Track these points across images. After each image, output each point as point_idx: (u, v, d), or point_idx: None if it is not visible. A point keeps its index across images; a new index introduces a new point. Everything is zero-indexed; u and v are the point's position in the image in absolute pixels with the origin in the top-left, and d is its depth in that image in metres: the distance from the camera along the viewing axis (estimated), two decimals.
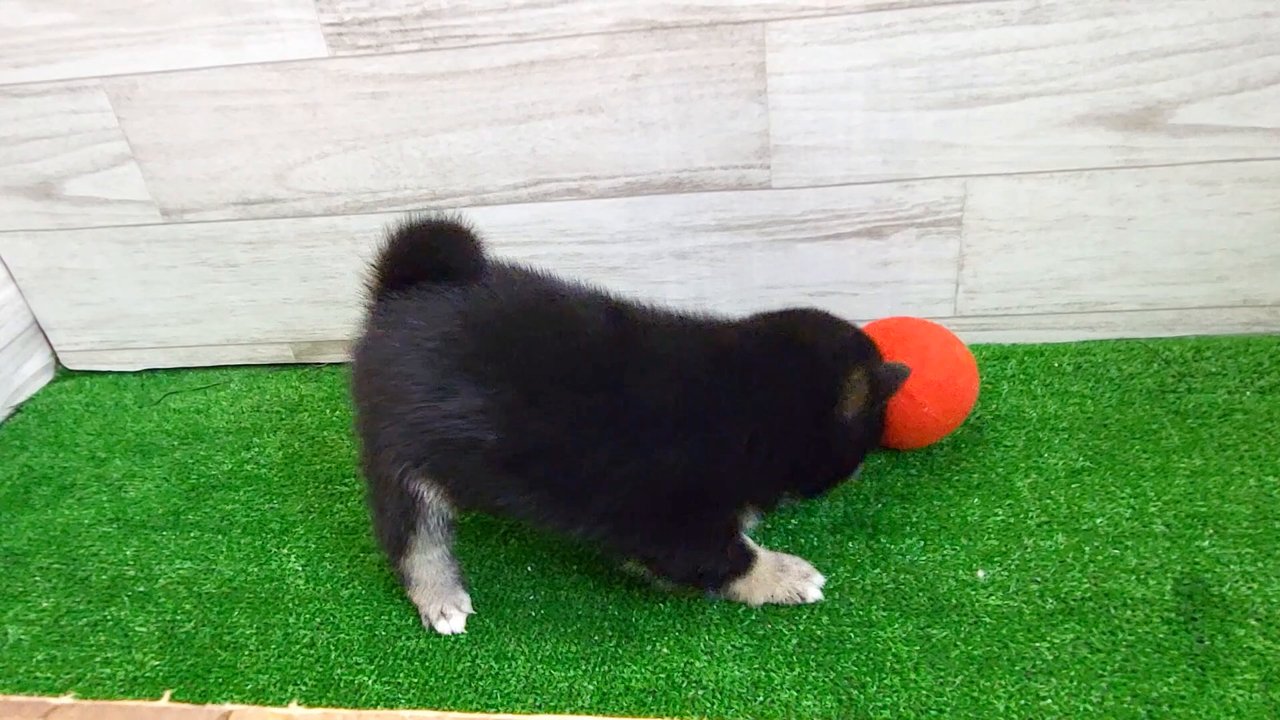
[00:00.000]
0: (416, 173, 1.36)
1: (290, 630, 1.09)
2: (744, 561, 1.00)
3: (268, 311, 1.55)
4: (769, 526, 1.13)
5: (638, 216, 1.36)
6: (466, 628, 1.06)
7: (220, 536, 1.25)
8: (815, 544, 1.10)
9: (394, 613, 1.10)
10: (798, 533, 1.12)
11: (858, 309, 1.40)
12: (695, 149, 1.28)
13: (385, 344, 0.95)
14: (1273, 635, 0.92)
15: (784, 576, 1.02)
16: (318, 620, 1.10)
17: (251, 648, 1.08)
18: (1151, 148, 1.20)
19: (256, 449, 1.41)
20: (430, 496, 0.97)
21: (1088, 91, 1.17)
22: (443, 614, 1.06)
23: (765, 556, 1.03)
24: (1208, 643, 0.92)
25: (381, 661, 1.04)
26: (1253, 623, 0.93)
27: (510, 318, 0.95)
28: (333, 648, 1.06)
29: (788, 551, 1.08)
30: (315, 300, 1.52)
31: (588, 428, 0.91)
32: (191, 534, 1.26)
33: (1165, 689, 0.89)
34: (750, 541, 1.03)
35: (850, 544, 1.09)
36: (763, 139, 1.26)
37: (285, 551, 1.21)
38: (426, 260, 0.97)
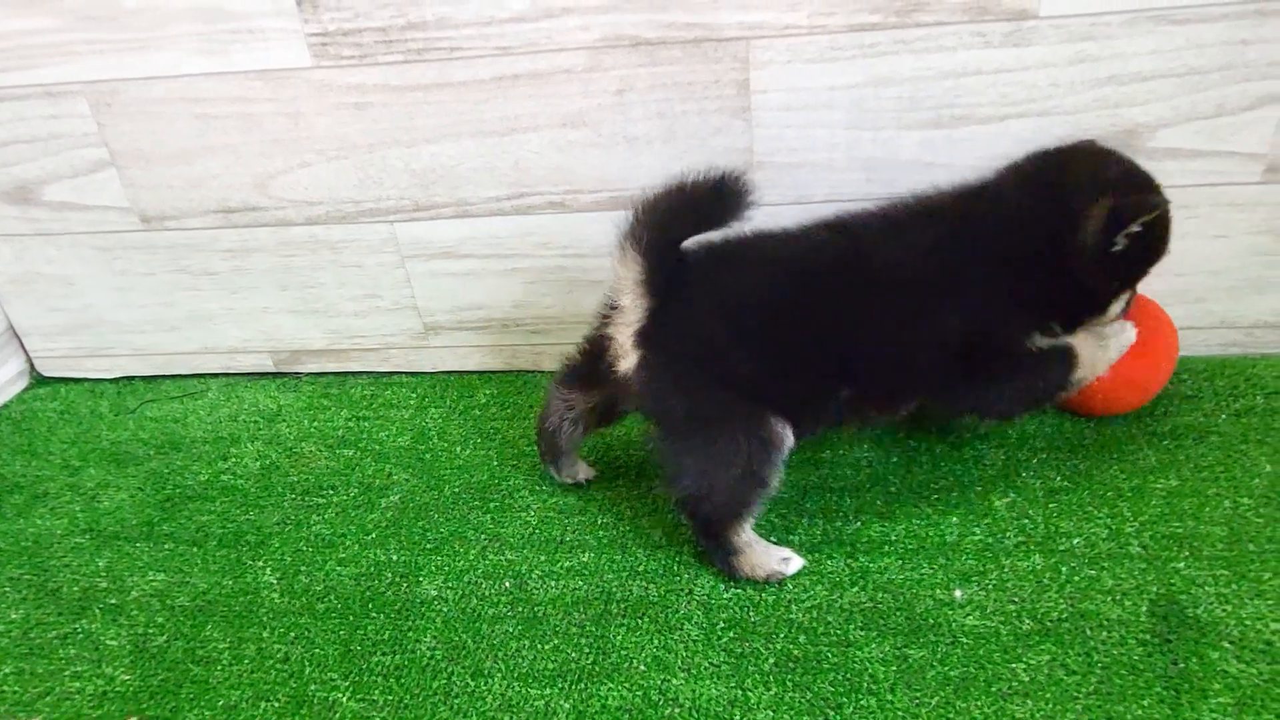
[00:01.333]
0: (399, 183, 1.35)
1: (264, 645, 1.08)
2: (1066, 356, 1.07)
3: (247, 320, 1.54)
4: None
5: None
6: (442, 643, 1.05)
7: (195, 548, 1.24)
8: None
9: (370, 627, 1.09)
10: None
11: None
12: (678, 164, 1.27)
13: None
14: (1246, 658, 0.92)
15: (1108, 339, 1.09)
16: (292, 635, 1.09)
17: (224, 663, 1.06)
18: None
19: (233, 459, 1.40)
20: (787, 433, 1.03)
21: (1068, 114, 1.18)
22: (784, 559, 1.08)
23: (1080, 338, 1.09)
24: (1182, 665, 0.93)
25: (356, 678, 1.03)
26: (1226, 645, 0.94)
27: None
28: (307, 663, 1.05)
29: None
30: (295, 309, 1.51)
31: (876, 328, 1.04)
32: (165, 546, 1.25)
33: (1139, 712, 0.89)
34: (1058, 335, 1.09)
35: (829, 562, 1.09)
36: (746, 155, 1.27)
37: (260, 564, 1.20)
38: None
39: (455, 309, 1.47)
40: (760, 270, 1.05)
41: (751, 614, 1.04)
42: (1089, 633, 0.97)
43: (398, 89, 1.27)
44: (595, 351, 1.10)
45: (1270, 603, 0.98)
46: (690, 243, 1.04)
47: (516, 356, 1.51)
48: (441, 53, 1.24)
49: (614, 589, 1.09)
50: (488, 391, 1.49)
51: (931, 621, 1.00)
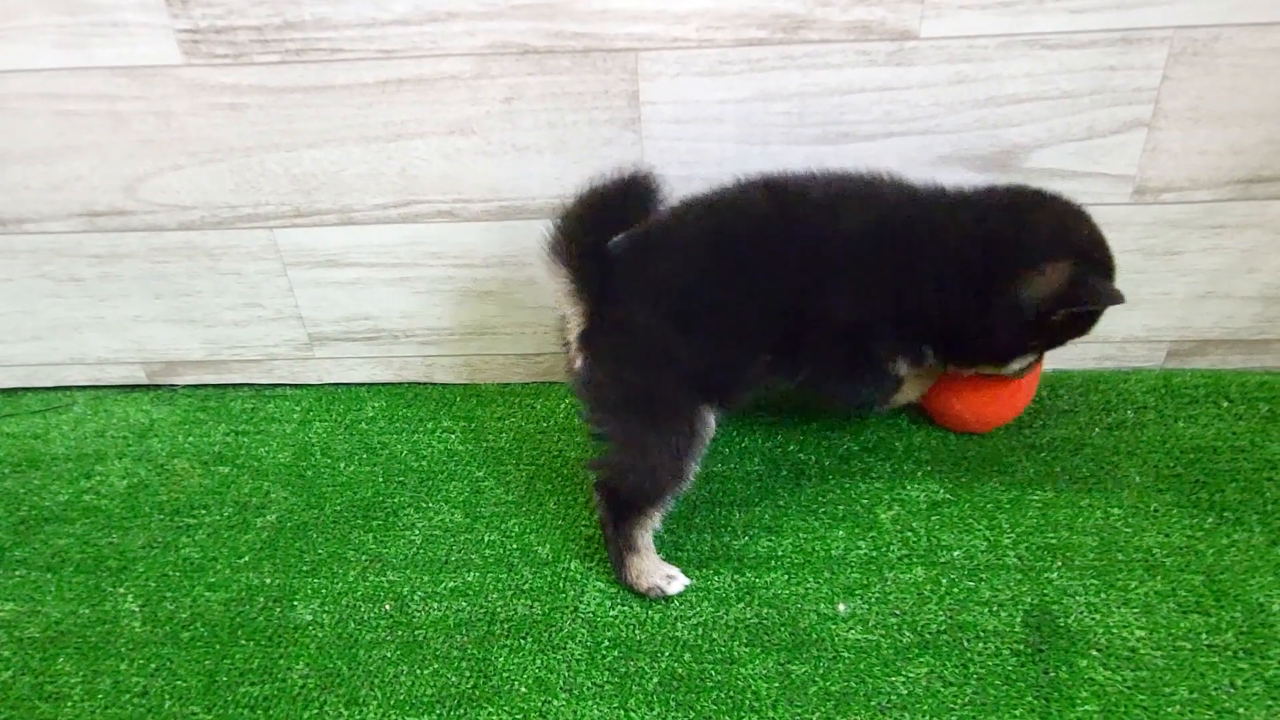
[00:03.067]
0: (279, 188, 1.30)
1: (121, 678, 1.02)
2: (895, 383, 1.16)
3: (117, 330, 1.45)
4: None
5: (512, 241, 1.33)
6: (316, 671, 1.01)
7: (50, 575, 1.16)
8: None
9: (238, 656, 1.03)
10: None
11: None
12: (569, 175, 1.26)
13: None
14: (1112, 665, 0.95)
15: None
16: (153, 666, 1.03)
17: (75, 698, 1.00)
18: None
19: (98, 478, 1.32)
20: (711, 421, 1.08)
21: (949, 133, 1.21)
22: (669, 576, 1.07)
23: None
24: (1053, 674, 0.95)
25: (221, 710, 0.97)
26: (1094, 653, 0.97)
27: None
28: (168, 696, 0.99)
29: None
30: (170, 319, 1.43)
31: (797, 293, 1.05)
32: (17, 572, 1.17)
33: None
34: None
35: (716, 578, 1.09)
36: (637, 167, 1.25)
37: (122, 591, 1.13)
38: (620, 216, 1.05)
39: (341, 319, 1.42)
40: (689, 242, 1.07)
41: (637, 632, 1.03)
42: (966, 644, 0.99)
43: (276, 90, 1.22)
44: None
45: (1135, 610, 1.01)
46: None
47: (406, 368, 1.47)
48: (321, 54, 1.19)
49: (498, 609, 1.06)
50: (376, 405, 1.44)
51: (815, 636, 1.01)
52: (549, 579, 1.10)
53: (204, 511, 1.24)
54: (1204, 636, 0.98)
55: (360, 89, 1.21)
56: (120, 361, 1.49)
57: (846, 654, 0.98)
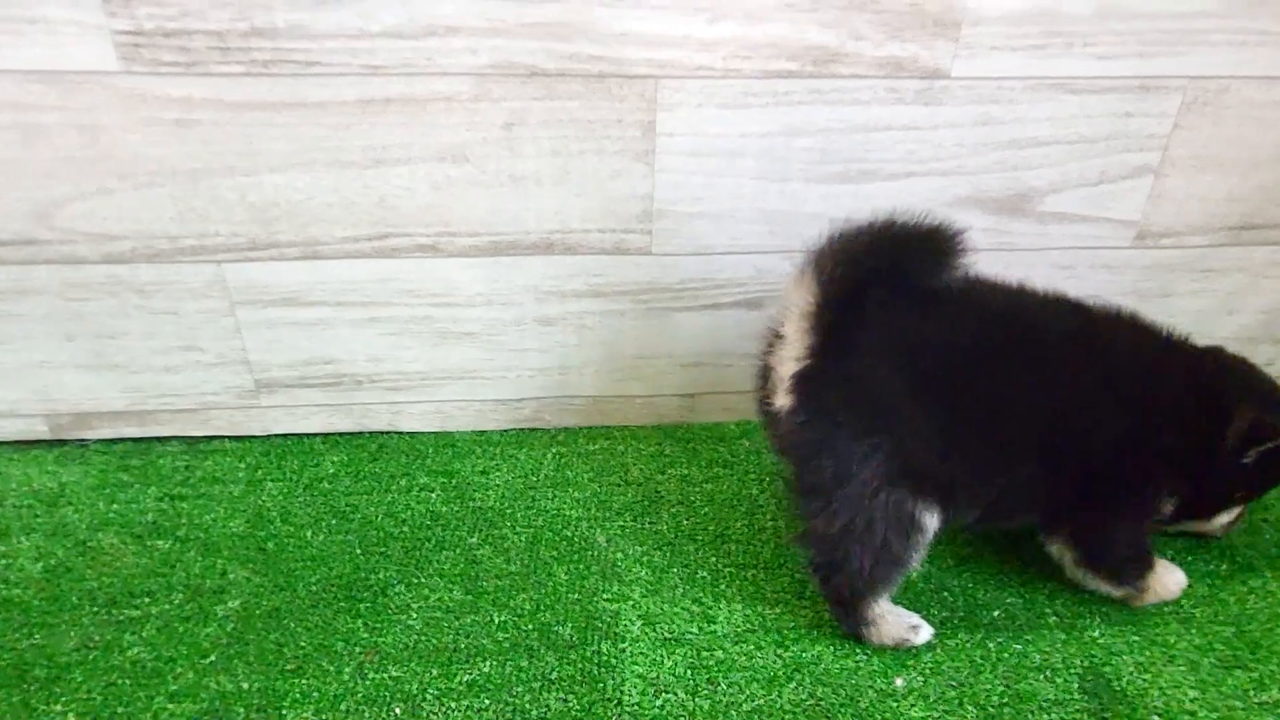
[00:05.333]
0: (232, 217, 1.12)
1: None
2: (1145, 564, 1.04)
3: (15, 377, 1.22)
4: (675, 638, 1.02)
5: (500, 278, 1.20)
6: None
7: None
8: (722, 655, 1.00)
9: None
10: (699, 646, 1.02)
11: (729, 380, 1.32)
12: (571, 208, 1.15)
13: None
14: None
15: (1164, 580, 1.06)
16: None
17: None
18: (1020, 232, 1.22)
19: (3, 560, 1.10)
20: (932, 520, 0.95)
21: (970, 174, 1.18)
22: (913, 626, 1.01)
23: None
24: None
25: None
26: (1156, 719, 0.94)
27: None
28: None
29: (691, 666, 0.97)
30: (84, 364, 1.22)
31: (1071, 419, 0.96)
32: None
33: None
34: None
35: (759, 654, 1.01)
36: (646, 202, 1.16)
37: (58, 707, 0.93)
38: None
39: (297, 363, 1.25)
40: (963, 319, 0.94)
41: None
42: (1031, 717, 0.95)
43: (235, 106, 1.05)
44: (763, 384, 1.00)
45: (1182, 668, 1.00)
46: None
47: (369, 416, 1.31)
48: (295, 66, 1.03)
49: (526, 705, 0.94)
50: (335, 458, 1.28)
51: (878, 717, 0.94)
52: (579, 666, 0.99)
53: (148, 600, 1.05)
54: (1251, 694, 0.97)
55: (338, 107, 1.06)
56: (16, 414, 1.26)
57: None
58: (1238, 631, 1.05)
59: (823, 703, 0.95)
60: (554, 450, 1.30)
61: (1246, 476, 1.03)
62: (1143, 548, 1.04)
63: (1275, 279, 1.30)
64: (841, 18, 1.05)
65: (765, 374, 0.98)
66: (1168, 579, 1.05)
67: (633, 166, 1.13)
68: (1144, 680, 0.99)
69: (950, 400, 0.91)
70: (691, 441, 1.33)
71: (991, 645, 1.02)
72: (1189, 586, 1.08)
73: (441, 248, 1.17)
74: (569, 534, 1.16)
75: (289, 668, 0.98)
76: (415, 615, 1.04)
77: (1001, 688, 0.98)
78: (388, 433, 1.32)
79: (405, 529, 1.16)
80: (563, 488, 1.23)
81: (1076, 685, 0.98)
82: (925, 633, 1.01)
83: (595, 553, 1.13)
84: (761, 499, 1.22)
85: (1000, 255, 1.24)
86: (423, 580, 1.09)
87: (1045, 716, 0.95)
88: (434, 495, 1.21)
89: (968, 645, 1.02)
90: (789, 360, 0.92)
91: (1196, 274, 1.29)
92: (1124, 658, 1.01)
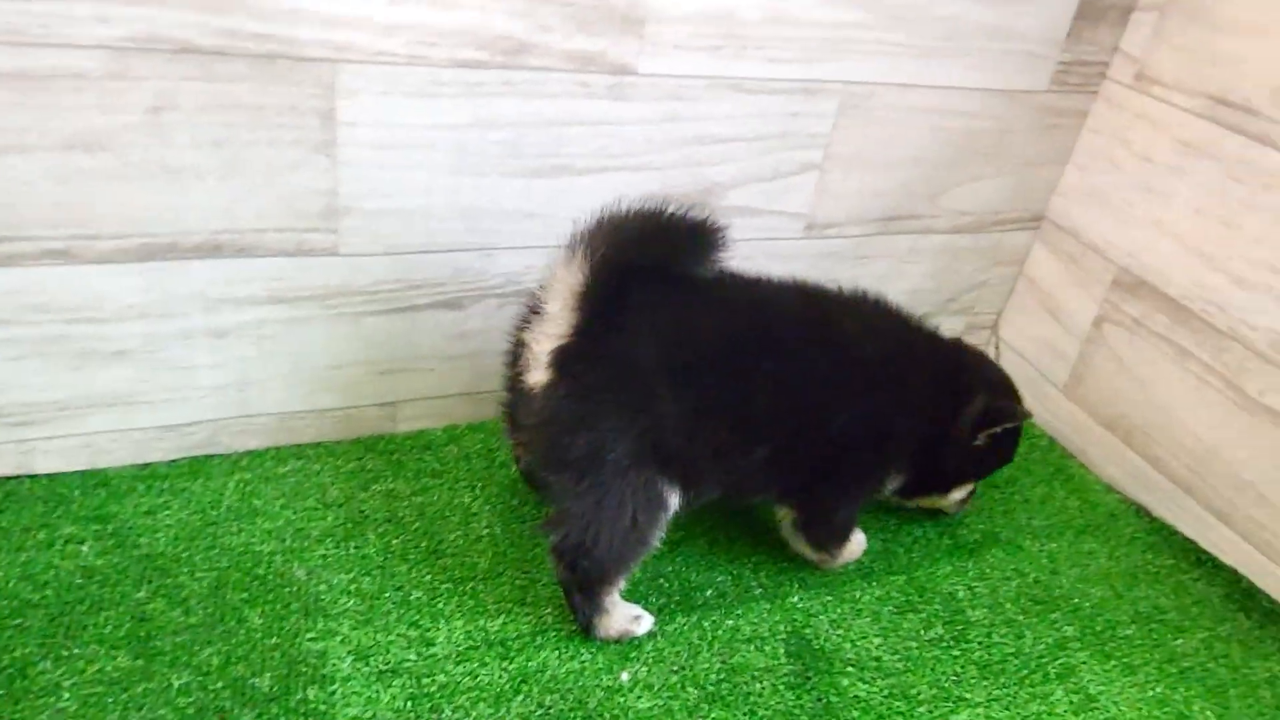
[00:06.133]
0: None
1: None
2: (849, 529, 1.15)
3: None
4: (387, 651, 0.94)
5: (157, 286, 1.04)
6: None
7: None
8: (444, 679, 0.95)
9: None
10: (419, 674, 0.95)
11: (432, 385, 1.26)
12: (243, 206, 1.02)
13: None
14: (867, 678, 1.02)
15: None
16: None
17: None
18: None
19: None
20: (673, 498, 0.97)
21: (658, 170, 1.21)
22: (635, 617, 1.02)
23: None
24: (824, 699, 0.99)
25: None
26: (850, 669, 1.03)
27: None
28: None
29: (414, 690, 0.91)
30: None
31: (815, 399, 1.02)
32: None
33: None
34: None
35: (483, 671, 0.96)
36: (329, 198, 1.06)
37: None
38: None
39: None
40: (715, 308, 0.99)
41: None
42: (745, 687, 0.99)
43: None
44: (514, 364, 0.99)
45: (868, 619, 1.10)
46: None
47: None
48: None
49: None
50: None
51: (608, 715, 0.94)
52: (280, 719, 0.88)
53: None
54: (922, 633, 1.10)
55: None
56: None
57: None
58: (908, 579, 1.18)
59: (552, 710, 0.93)
60: (237, 478, 1.16)
61: (978, 457, 1.16)
62: (854, 521, 1.14)
63: (914, 264, 1.48)
64: (529, 8, 1.02)
65: (517, 350, 0.97)
66: (853, 543, 1.15)
67: (312, 159, 1.03)
68: (838, 636, 1.08)
69: (698, 385, 0.94)
70: (396, 453, 1.24)
71: (707, 624, 1.06)
72: (866, 544, 1.20)
73: (77, 253, 0.99)
74: (261, 571, 1.03)
75: None
76: (68, 695, 0.87)
77: (718, 664, 1.02)
78: (17, 477, 1.10)
79: (48, 593, 0.97)
80: (250, 519, 1.10)
81: (783, 651, 1.04)
82: (646, 622, 1.03)
83: (294, 588, 1.02)
84: (475, 506, 1.17)
85: None
86: (76, 651, 0.91)
87: (758, 685, 1.00)
88: (85, 547, 1.03)
89: (685, 628, 1.05)
90: (549, 336, 0.92)
91: (854, 261, 1.43)
92: (820, 618, 1.10)
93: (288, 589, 1.02)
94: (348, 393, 1.22)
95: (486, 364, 1.27)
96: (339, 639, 0.97)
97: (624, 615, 1.02)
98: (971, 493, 1.26)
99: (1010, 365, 1.60)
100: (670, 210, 0.91)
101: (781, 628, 1.07)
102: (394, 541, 1.10)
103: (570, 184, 1.17)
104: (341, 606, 1.01)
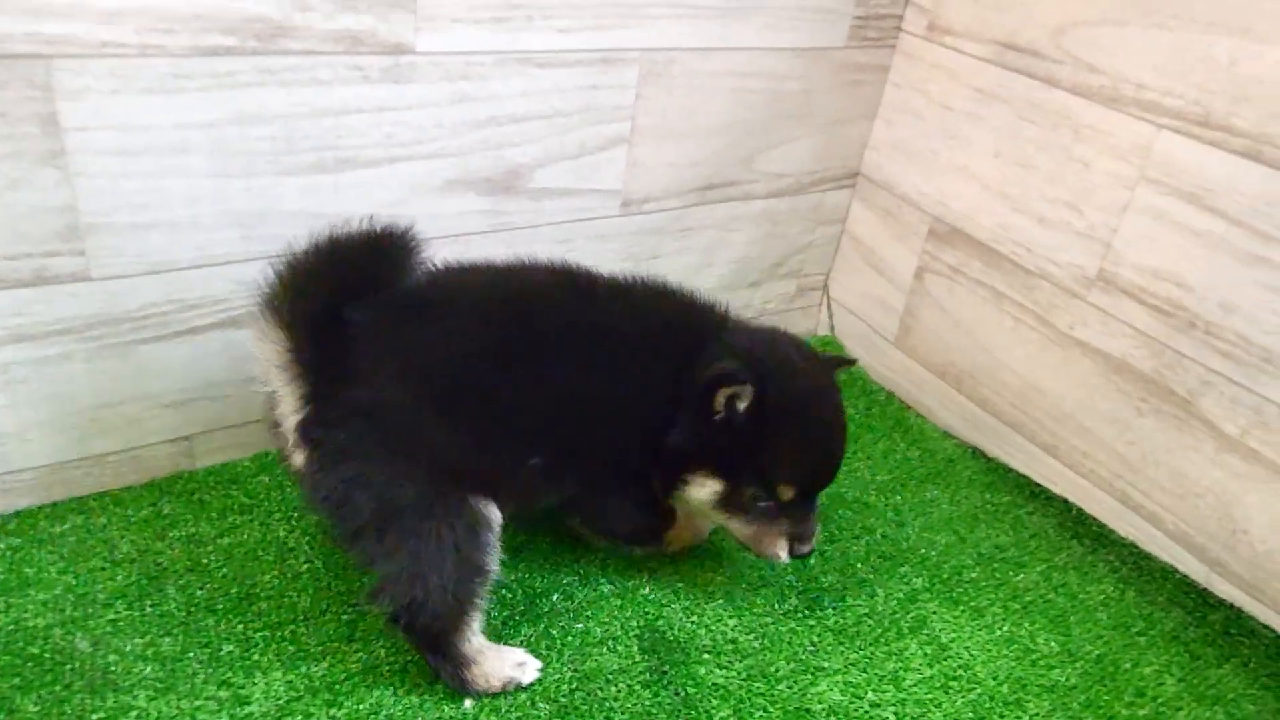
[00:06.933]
0: None
1: None
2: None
3: None
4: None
5: None
6: None
7: None
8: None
9: None
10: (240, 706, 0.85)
11: (230, 412, 1.14)
12: None
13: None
14: (724, 663, 0.99)
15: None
16: None
17: None
18: (516, 210, 1.21)
19: None
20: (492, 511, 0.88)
21: (455, 156, 1.12)
22: (519, 663, 0.93)
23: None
24: (682, 692, 0.95)
25: None
26: (706, 656, 1.00)
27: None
28: None
29: None
30: None
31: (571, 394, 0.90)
32: None
33: None
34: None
35: (309, 714, 0.87)
36: (69, 216, 0.92)
37: None
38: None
39: None
40: (459, 310, 0.89)
41: None
42: (600, 692, 0.94)
43: None
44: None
45: (720, 601, 1.07)
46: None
47: None
48: None
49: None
50: None
51: None
52: None
53: None
54: (777, 607, 1.08)
55: None
56: None
57: None
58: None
59: None
60: (2, 545, 1.01)
61: (726, 438, 0.92)
62: (648, 515, 1.04)
63: (737, 231, 1.45)
64: None
65: (278, 434, 0.88)
66: (691, 530, 1.10)
67: (37, 172, 0.89)
68: (692, 624, 1.04)
69: (456, 400, 0.86)
70: (197, 492, 1.12)
71: (555, 632, 1.00)
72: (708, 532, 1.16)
73: None
74: (35, 650, 0.90)
75: None
76: None
77: (570, 673, 0.96)
78: None
79: None
80: (20, 592, 0.96)
81: (637, 648, 1.00)
82: (533, 668, 0.94)
83: (78, 664, 0.89)
84: (292, 540, 1.07)
85: (500, 236, 1.21)
86: None
87: (613, 688, 0.95)
88: None
89: (532, 639, 0.99)
90: (288, 415, 0.84)
91: (677, 234, 1.39)
92: (673, 607, 1.06)
93: (69, 665, 0.89)
94: (129, 432, 1.08)
95: None
96: (134, 714, 0.85)
97: (501, 661, 0.93)
98: (803, 532, 0.98)
99: (842, 322, 1.61)
100: (340, 235, 0.82)
101: (634, 624, 1.03)
102: (198, 592, 0.99)
103: (359, 177, 1.07)
104: (136, 675, 0.89)
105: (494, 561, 0.88)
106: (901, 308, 1.50)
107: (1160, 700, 1.02)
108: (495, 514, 0.88)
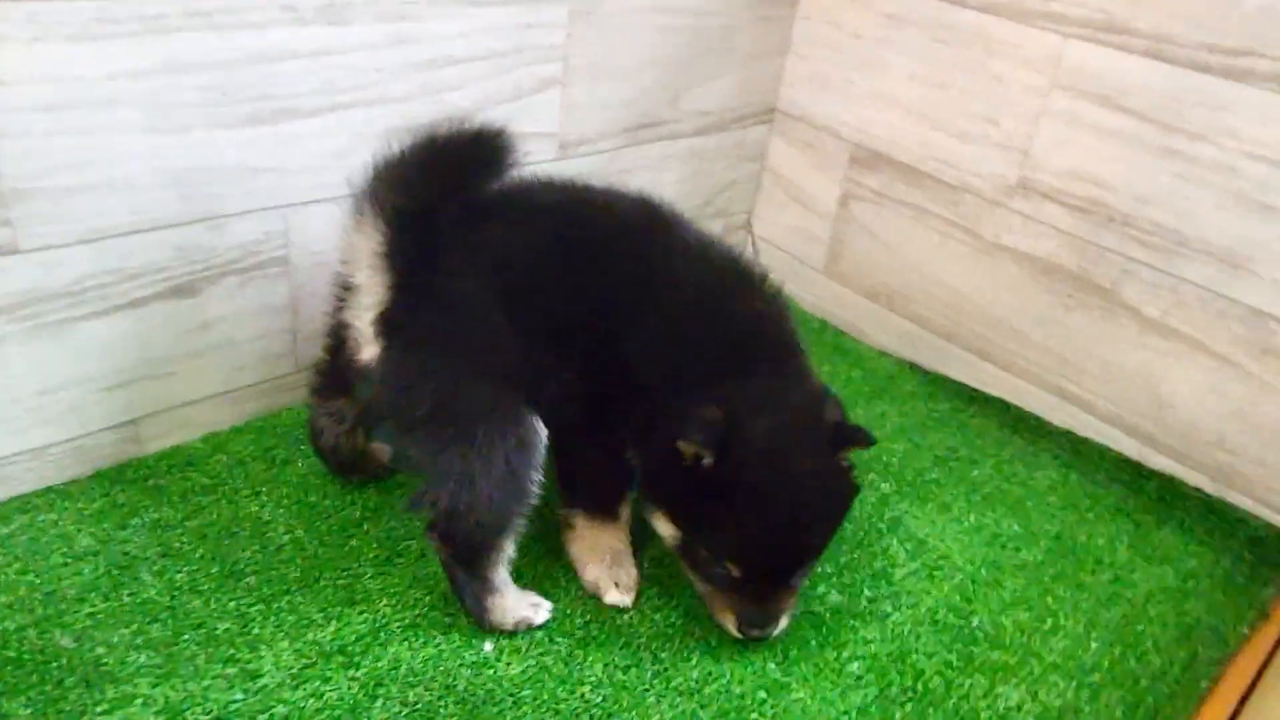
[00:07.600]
0: None
1: None
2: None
3: None
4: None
5: None
6: None
7: None
8: (284, 709, 0.81)
9: None
10: (249, 714, 0.81)
11: (178, 390, 1.07)
12: None
13: None
14: None
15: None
16: None
17: None
18: None
19: None
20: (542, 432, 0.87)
21: (397, 101, 1.08)
22: (534, 604, 0.93)
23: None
24: None
25: None
26: None
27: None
28: None
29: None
30: None
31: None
32: None
33: None
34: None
35: (328, 688, 0.84)
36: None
37: None
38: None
39: None
40: (539, 223, 0.91)
41: None
42: (615, 620, 0.94)
43: None
44: (338, 344, 0.92)
45: None
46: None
47: None
48: None
49: None
50: None
51: (480, 692, 0.85)
52: None
53: None
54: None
55: None
56: None
57: (521, 689, 0.86)
58: None
59: (419, 706, 0.84)
60: None
61: (692, 491, 0.86)
62: (615, 488, 0.99)
63: (668, 171, 1.46)
64: None
65: (340, 334, 0.91)
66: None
67: None
68: None
69: (523, 305, 0.86)
70: (150, 478, 1.05)
71: (560, 569, 1.00)
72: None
73: None
74: (13, 654, 0.83)
75: None
76: None
77: (580, 606, 0.96)
78: None
79: None
80: None
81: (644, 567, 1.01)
82: (545, 609, 0.94)
83: (64, 660, 0.83)
84: (266, 514, 1.02)
85: None
86: None
87: (626, 615, 0.95)
88: None
89: (540, 576, 0.98)
90: (368, 308, 0.84)
91: (615, 176, 1.38)
92: None
93: (54, 664, 0.82)
94: (69, 421, 1.00)
95: (239, 355, 1.10)
96: (140, 702, 0.80)
97: (519, 599, 0.92)
98: (771, 611, 0.90)
99: (769, 258, 1.65)
100: (443, 134, 0.82)
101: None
102: (177, 576, 0.93)
103: (299, 128, 1.02)
104: (132, 664, 0.83)
105: (535, 483, 0.87)
106: (828, 236, 1.55)
107: (1116, 565, 1.11)
108: (543, 435, 0.87)
